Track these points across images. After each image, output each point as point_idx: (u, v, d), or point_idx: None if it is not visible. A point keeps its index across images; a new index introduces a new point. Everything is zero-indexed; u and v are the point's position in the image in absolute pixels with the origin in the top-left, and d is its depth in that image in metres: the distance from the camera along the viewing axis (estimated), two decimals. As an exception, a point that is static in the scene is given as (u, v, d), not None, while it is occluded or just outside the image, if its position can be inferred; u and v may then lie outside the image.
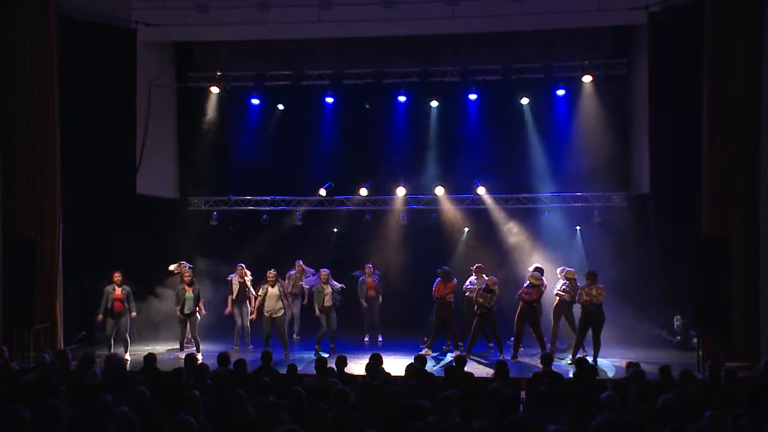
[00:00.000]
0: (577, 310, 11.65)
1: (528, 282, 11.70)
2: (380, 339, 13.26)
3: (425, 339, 12.37)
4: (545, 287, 11.89)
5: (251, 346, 12.57)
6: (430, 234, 14.97)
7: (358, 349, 12.11)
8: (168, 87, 15.14)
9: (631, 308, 12.57)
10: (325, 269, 12.67)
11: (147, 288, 12.98)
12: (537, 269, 11.94)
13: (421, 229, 14.98)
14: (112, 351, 11.49)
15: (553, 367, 8.73)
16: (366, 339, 13.21)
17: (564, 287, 11.78)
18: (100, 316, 11.88)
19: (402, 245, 14.78)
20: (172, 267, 12.94)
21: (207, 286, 13.10)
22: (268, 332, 11.89)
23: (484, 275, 12.17)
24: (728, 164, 11.00)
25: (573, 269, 11.98)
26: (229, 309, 12.78)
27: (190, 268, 12.79)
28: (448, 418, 5.85)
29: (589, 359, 10.25)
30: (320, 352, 11.78)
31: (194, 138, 15.40)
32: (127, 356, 11.60)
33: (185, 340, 12.33)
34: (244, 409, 6.15)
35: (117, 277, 11.89)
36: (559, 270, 12.14)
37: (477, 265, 12.62)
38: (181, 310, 12.06)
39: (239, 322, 12.72)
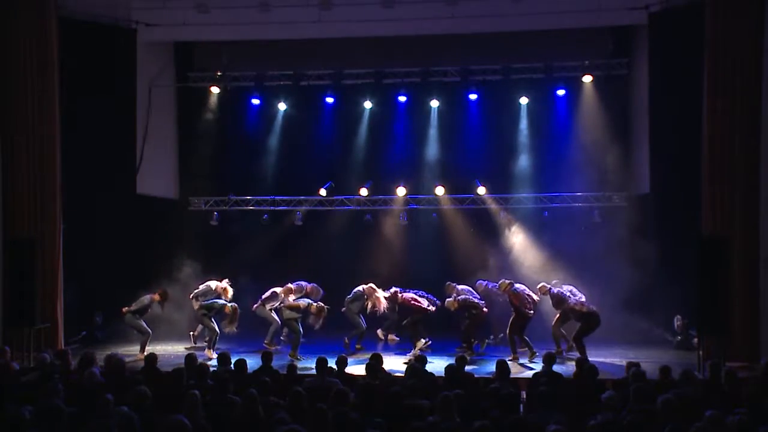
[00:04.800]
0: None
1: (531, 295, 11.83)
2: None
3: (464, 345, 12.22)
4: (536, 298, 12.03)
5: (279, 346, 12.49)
6: (430, 234, 14.96)
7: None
8: (168, 87, 15.14)
9: (631, 308, 12.58)
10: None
11: (147, 288, 12.94)
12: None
13: (421, 229, 14.97)
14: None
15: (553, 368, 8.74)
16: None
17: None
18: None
19: (402, 245, 14.76)
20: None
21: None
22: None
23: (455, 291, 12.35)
24: (728, 164, 11.00)
25: (544, 284, 12.05)
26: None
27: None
28: (448, 418, 5.86)
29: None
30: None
31: (194, 138, 15.39)
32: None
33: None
34: (253, 409, 6.14)
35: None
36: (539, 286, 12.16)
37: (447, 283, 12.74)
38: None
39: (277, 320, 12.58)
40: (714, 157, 11.08)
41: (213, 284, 12.63)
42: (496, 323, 12.80)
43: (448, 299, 12.19)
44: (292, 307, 11.96)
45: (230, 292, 12.49)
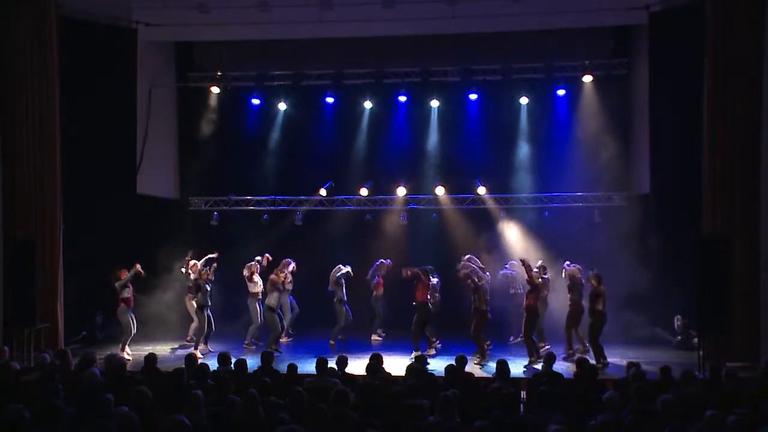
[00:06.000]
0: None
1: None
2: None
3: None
4: (546, 287, 11.96)
5: (261, 343, 12.57)
6: (430, 234, 14.96)
7: (359, 348, 12.16)
8: (168, 87, 15.14)
9: (632, 308, 12.58)
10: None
11: (147, 288, 12.95)
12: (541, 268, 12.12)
13: (421, 229, 14.98)
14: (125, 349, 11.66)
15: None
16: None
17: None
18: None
19: (402, 245, 14.76)
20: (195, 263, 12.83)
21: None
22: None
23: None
24: (728, 164, 11.01)
25: (576, 267, 11.96)
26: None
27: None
28: (448, 418, 5.86)
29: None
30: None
31: (194, 138, 15.39)
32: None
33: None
34: (253, 409, 6.14)
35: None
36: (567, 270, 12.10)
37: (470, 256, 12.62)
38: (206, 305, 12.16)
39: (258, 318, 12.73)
40: (714, 157, 11.09)
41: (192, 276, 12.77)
42: (513, 324, 12.97)
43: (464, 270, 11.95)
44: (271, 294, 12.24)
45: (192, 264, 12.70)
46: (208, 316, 12.16)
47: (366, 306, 13.63)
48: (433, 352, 11.87)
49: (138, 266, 11.98)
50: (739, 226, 10.91)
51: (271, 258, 13.32)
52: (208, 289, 12.18)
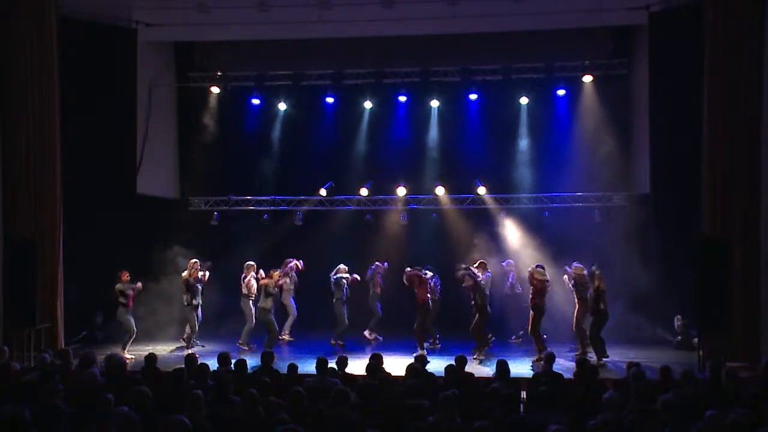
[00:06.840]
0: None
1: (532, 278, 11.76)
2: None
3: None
4: (549, 283, 11.98)
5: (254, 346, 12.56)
6: (430, 234, 14.96)
7: (359, 348, 12.15)
8: (168, 87, 15.14)
9: (631, 308, 12.59)
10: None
11: (147, 288, 12.93)
12: (539, 266, 12.03)
13: (421, 229, 14.98)
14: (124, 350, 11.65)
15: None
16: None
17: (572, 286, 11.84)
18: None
19: (402, 245, 14.76)
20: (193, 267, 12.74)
21: (209, 286, 13.08)
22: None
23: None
24: (728, 164, 11.02)
25: (580, 265, 11.94)
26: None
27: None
28: (448, 418, 5.86)
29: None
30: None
31: (194, 138, 15.38)
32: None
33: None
34: (254, 409, 6.14)
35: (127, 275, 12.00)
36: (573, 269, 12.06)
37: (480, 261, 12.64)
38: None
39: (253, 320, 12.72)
40: (714, 157, 11.10)
41: (185, 274, 12.72)
42: (513, 322, 12.98)
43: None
44: (266, 297, 12.25)
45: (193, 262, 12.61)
46: (197, 316, 12.25)
47: (364, 306, 13.60)
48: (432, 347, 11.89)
49: (139, 285, 12.06)
50: (739, 226, 10.91)
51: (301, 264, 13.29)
52: (199, 288, 12.17)
